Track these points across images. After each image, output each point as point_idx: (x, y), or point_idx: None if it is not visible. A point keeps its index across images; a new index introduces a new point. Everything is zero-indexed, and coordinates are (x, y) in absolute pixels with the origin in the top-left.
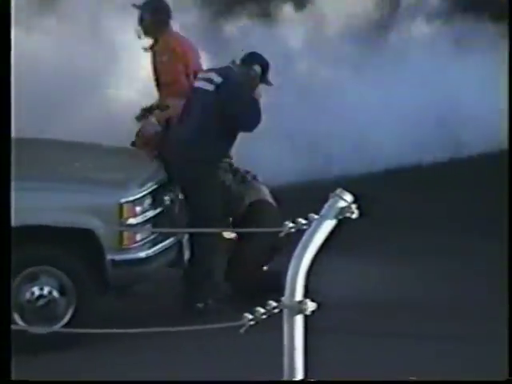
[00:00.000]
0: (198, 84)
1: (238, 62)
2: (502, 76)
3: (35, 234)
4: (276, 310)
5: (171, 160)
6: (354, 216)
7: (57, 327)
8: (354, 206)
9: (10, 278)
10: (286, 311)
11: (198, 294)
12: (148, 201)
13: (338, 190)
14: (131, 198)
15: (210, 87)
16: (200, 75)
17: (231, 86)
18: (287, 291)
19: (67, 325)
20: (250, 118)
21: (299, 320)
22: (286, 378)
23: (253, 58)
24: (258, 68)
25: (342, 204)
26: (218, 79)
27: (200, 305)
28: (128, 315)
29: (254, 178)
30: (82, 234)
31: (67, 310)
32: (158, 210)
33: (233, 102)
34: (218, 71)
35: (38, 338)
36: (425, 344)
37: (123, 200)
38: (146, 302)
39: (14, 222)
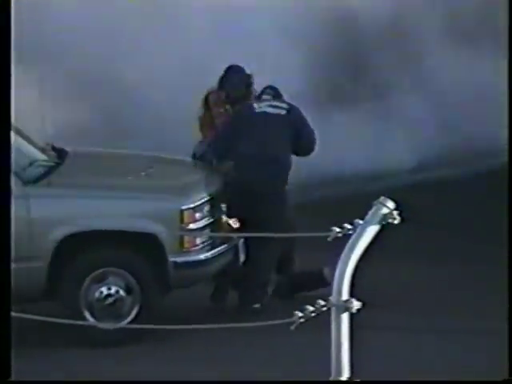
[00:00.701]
0: (264, 109)
1: (266, 95)
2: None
3: (103, 239)
4: (324, 309)
5: (243, 173)
6: (396, 222)
7: (123, 323)
8: (395, 213)
9: (10, 281)
10: (333, 309)
11: (254, 295)
12: (206, 208)
13: (382, 198)
14: (191, 205)
15: (282, 111)
16: (262, 102)
17: (300, 112)
18: (334, 291)
19: (133, 322)
20: (312, 143)
21: (345, 318)
22: (333, 372)
23: (276, 90)
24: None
25: (384, 211)
26: (285, 105)
27: (257, 305)
28: (187, 314)
29: None
30: (147, 238)
31: (133, 308)
32: (216, 217)
33: (303, 126)
34: (279, 100)
35: (106, 334)
36: None
37: (184, 207)
38: (203, 301)
39: (84, 228)
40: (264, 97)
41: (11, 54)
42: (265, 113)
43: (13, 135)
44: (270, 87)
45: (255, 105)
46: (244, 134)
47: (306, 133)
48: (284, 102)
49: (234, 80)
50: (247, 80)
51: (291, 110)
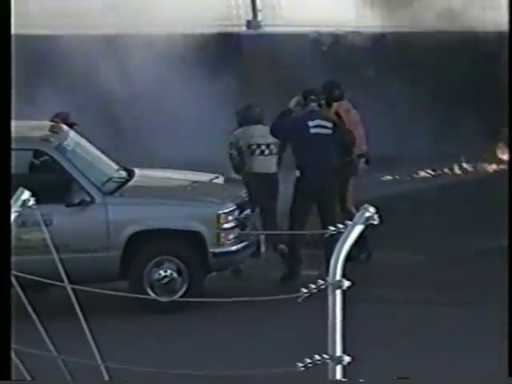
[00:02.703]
0: (314, 130)
1: (312, 102)
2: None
3: (161, 235)
4: (323, 286)
5: (310, 177)
6: (376, 223)
7: (176, 297)
8: (376, 216)
9: (10, 281)
10: (329, 287)
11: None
12: (236, 212)
13: (365, 205)
14: (226, 211)
15: (329, 131)
16: (312, 123)
17: (340, 127)
18: (331, 273)
19: (182, 296)
20: (352, 145)
21: (339, 293)
22: (329, 333)
23: (317, 94)
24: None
25: (368, 214)
26: (329, 124)
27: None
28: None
29: None
30: (193, 234)
31: (182, 286)
32: (243, 218)
33: (344, 137)
34: (325, 118)
35: (162, 304)
36: None
37: (220, 212)
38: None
39: (147, 227)
40: (312, 105)
41: (11, 56)
42: (319, 134)
43: (96, 159)
44: (311, 92)
45: (309, 123)
46: (305, 151)
47: (347, 141)
48: (328, 120)
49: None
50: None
51: (335, 127)
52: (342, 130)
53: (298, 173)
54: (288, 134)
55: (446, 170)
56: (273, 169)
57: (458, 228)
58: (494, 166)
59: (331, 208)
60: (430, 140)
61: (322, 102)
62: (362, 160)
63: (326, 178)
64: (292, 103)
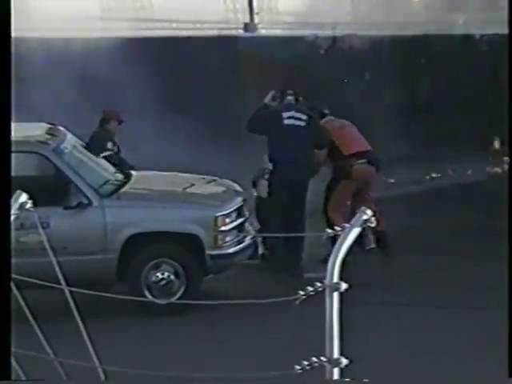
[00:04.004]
0: (288, 122)
1: (290, 96)
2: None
3: (158, 237)
4: (320, 289)
5: (282, 171)
6: (373, 225)
7: (173, 300)
8: (373, 219)
9: (10, 281)
10: (327, 289)
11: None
12: (234, 214)
13: (362, 208)
14: (223, 213)
15: (302, 123)
16: (288, 112)
17: (314, 120)
18: (328, 276)
19: (179, 298)
20: (325, 140)
21: (336, 295)
22: (327, 335)
23: (295, 93)
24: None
25: (365, 217)
26: (304, 117)
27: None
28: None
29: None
30: (190, 237)
31: (180, 288)
32: (241, 220)
33: (318, 131)
34: (301, 111)
35: (160, 307)
36: None
37: (217, 214)
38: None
39: (144, 229)
40: (288, 98)
41: (11, 56)
42: (292, 126)
43: (93, 162)
44: (289, 87)
45: (283, 114)
46: (278, 142)
47: (320, 135)
48: (303, 113)
49: None
50: None
51: (309, 120)
52: (316, 124)
53: (270, 166)
54: (262, 126)
55: (444, 172)
56: None
57: (458, 230)
58: (494, 167)
59: (302, 200)
60: (429, 141)
61: (300, 98)
62: (361, 161)
63: (298, 169)
64: (267, 98)
